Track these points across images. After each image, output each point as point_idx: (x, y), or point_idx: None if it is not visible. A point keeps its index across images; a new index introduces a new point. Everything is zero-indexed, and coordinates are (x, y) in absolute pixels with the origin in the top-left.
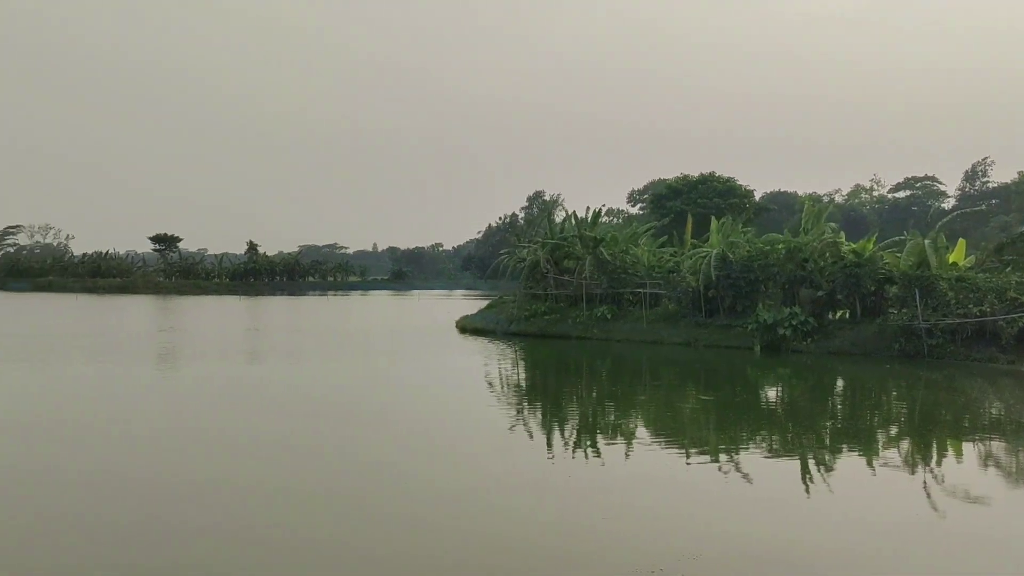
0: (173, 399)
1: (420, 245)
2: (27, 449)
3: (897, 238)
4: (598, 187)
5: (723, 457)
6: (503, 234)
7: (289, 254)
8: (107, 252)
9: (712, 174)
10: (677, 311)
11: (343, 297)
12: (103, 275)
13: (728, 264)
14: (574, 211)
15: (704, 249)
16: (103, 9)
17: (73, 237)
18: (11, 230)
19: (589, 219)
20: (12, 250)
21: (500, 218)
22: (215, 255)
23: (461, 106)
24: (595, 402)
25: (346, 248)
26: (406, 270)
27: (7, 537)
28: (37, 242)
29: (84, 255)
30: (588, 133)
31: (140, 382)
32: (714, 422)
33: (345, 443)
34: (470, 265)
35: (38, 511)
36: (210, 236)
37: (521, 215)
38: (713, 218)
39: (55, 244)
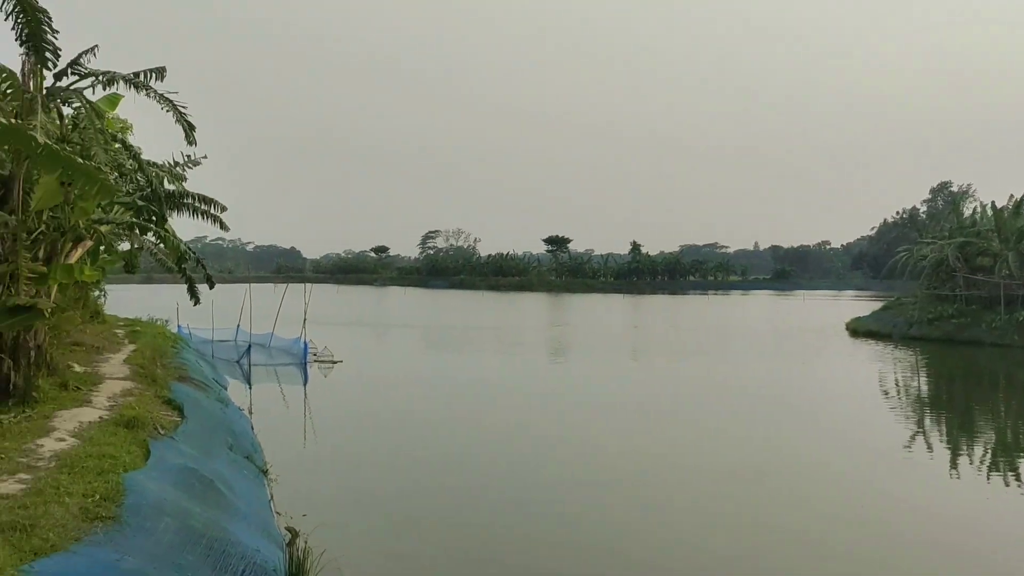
0: (562, 395)
1: (805, 243)
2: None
3: None
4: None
5: None
6: (900, 230)
7: (670, 254)
8: (507, 253)
9: None
10: None
11: (723, 296)
12: (504, 274)
13: None
14: (991, 201)
15: None
16: (511, 32)
17: (480, 240)
18: (431, 235)
19: (1010, 209)
20: (432, 252)
21: (897, 213)
22: (601, 255)
23: (849, 97)
24: (1017, 419)
25: (726, 247)
26: (789, 269)
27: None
28: (451, 245)
29: (489, 256)
30: (1007, 114)
31: (539, 372)
32: None
33: (727, 452)
34: (861, 264)
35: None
36: (597, 237)
37: (922, 208)
38: None
39: (465, 246)
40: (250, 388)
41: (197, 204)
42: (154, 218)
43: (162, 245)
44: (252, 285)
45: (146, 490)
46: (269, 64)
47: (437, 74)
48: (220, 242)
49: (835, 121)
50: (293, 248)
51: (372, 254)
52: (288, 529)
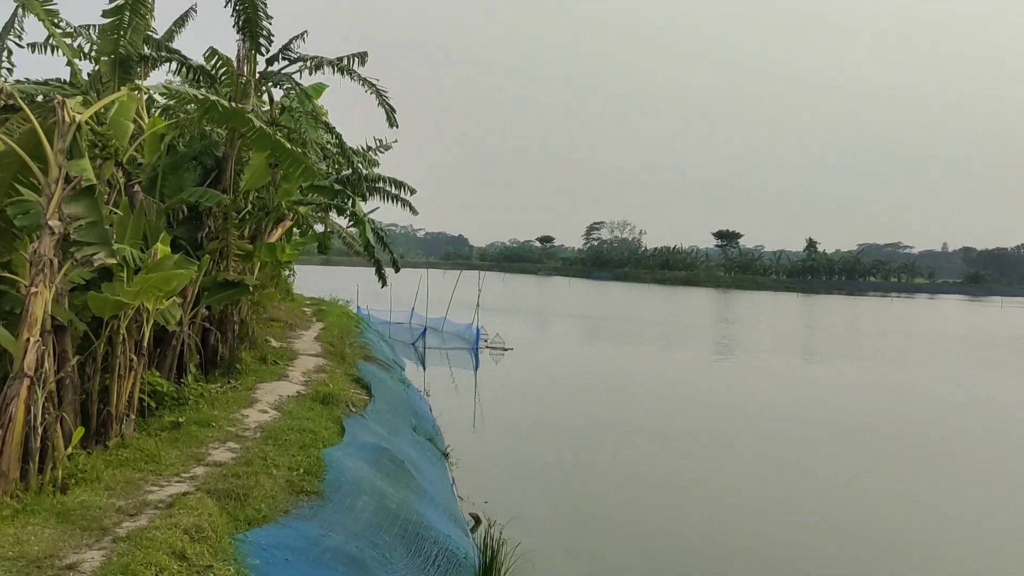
0: (746, 400)
1: (1002, 245)
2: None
3: None
4: None
5: None
6: None
7: (848, 252)
8: (674, 247)
9: None
10: None
11: (906, 300)
12: (670, 268)
13: None
14: None
15: None
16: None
17: (645, 232)
18: (596, 226)
19: None
20: (596, 243)
21: None
22: (772, 252)
23: None
24: None
25: (911, 248)
26: (984, 273)
27: None
28: (616, 236)
29: (655, 249)
30: None
31: (711, 371)
32: None
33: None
34: None
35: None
36: (768, 232)
37: None
38: None
39: (630, 239)
40: (424, 370)
41: (388, 188)
42: (349, 201)
43: (354, 228)
44: (424, 271)
45: (344, 467)
46: (445, 62)
47: (608, 75)
48: (393, 227)
49: None
50: (461, 236)
51: (537, 243)
52: (472, 515)
